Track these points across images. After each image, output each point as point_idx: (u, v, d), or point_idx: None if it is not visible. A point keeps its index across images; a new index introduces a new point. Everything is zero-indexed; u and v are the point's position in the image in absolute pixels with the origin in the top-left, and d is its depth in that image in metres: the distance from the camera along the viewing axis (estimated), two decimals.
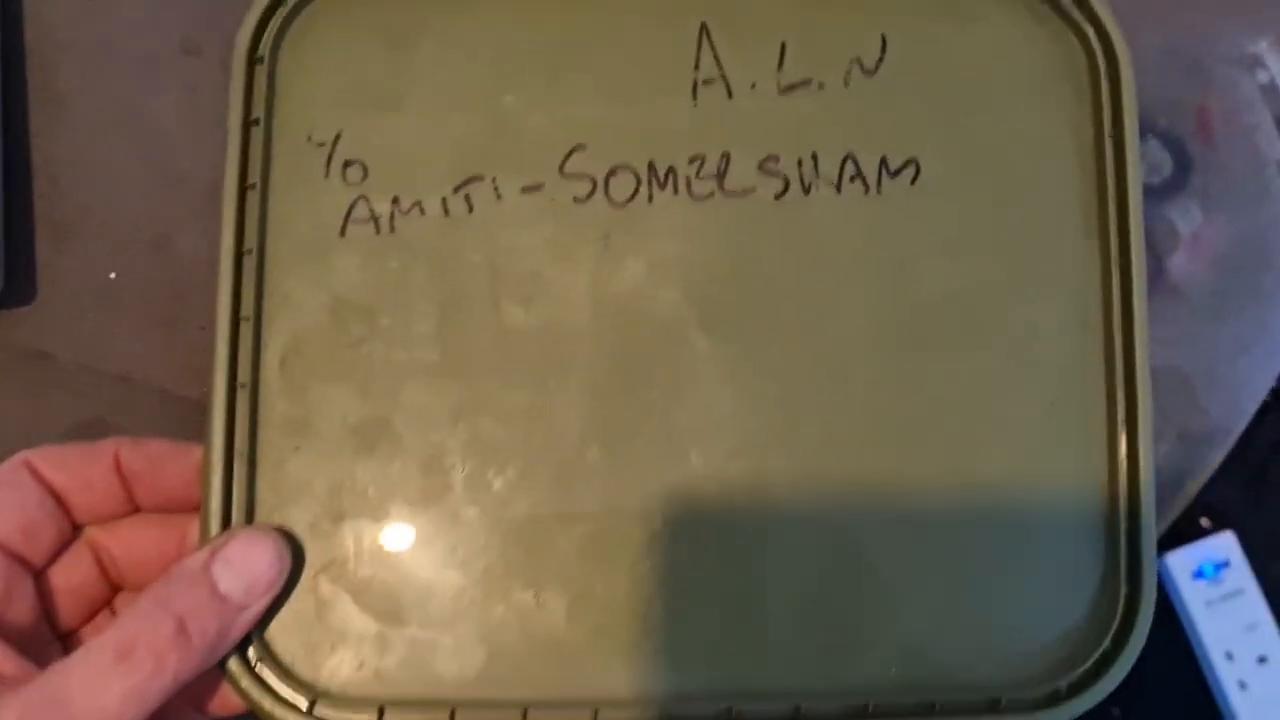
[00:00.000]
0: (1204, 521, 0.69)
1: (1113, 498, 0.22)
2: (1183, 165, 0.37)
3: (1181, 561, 0.66)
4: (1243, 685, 0.65)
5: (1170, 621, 0.66)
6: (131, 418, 0.32)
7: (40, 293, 0.33)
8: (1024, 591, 0.22)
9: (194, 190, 0.33)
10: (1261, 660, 0.65)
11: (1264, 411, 0.80)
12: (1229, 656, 0.65)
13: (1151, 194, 0.37)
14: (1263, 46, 0.38)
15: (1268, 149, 0.37)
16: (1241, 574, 0.66)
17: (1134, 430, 0.22)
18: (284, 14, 0.22)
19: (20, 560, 0.20)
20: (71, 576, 0.21)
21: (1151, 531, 0.22)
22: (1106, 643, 0.22)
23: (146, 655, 0.18)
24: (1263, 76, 0.38)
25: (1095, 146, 0.23)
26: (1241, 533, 0.67)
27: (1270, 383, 0.37)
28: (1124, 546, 0.22)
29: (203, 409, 0.31)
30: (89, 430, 0.32)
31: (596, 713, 0.20)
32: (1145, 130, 0.38)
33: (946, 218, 0.22)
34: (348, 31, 0.22)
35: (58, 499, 0.21)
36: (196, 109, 0.34)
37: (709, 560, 0.21)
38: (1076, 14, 0.23)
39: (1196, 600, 0.66)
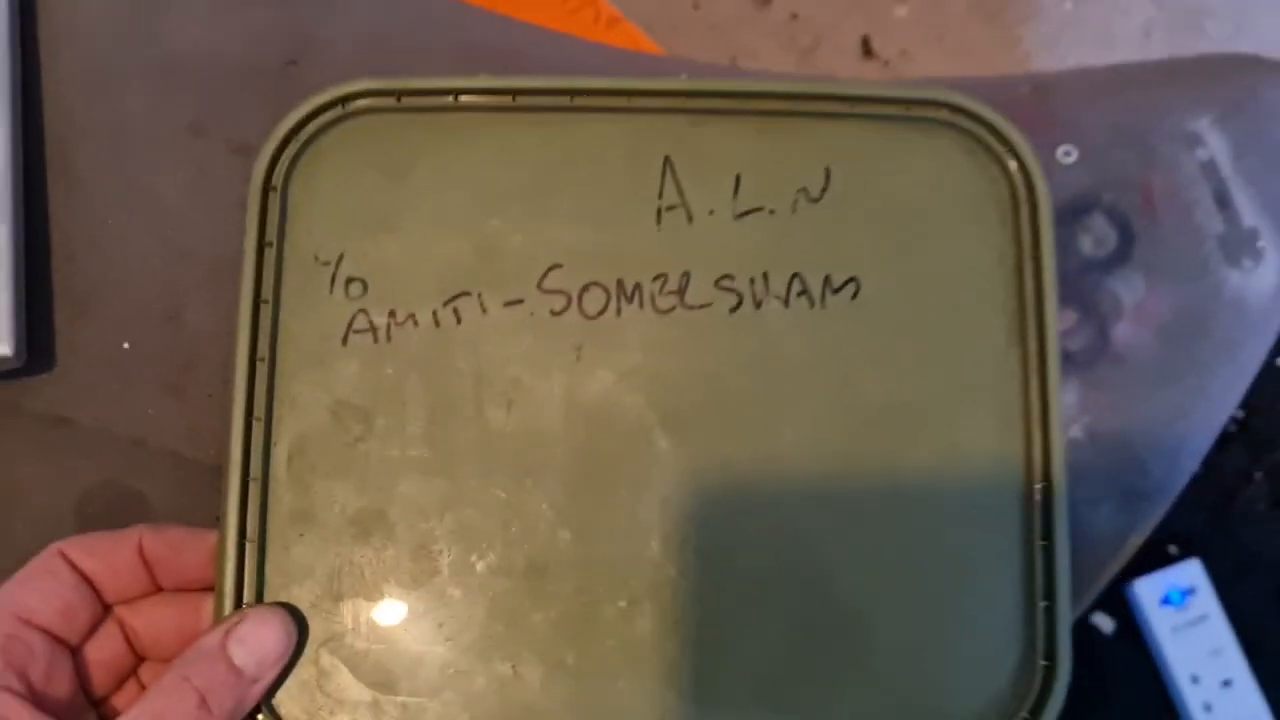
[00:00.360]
0: (1171, 549, 0.72)
1: (1031, 584, 0.24)
2: (1127, 239, 0.40)
3: (1149, 588, 0.69)
4: (1208, 708, 0.67)
5: (1138, 646, 0.69)
6: (145, 478, 0.34)
7: (59, 362, 0.35)
8: (952, 666, 0.24)
9: (202, 264, 0.36)
10: (1226, 684, 0.68)
11: (1229, 441, 0.83)
12: (1194, 680, 0.68)
13: (1097, 266, 0.40)
14: (1203, 124, 0.41)
15: (1207, 224, 0.40)
16: (1207, 600, 0.69)
17: (1050, 523, 0.24)
18: (295, 148, 0.25)
19: (60, 641, 0.22)
20: (103, 651, 0.23)
21: (1067, 613, 0.24)
22: (1025, 711, 0.24)
23: None
24: (1203, 154, 0.40)
25: (1017, 265, 0.25)
26: (1208, 559, 0.69)
27: (1208, 445, 0.39)
28: (1041, 626, 0.24)
29: (210, 470, 0.33)
30: (106, 489, 0.34)
31: None
32: (1092, 205, 0.40)
33: (884, 330, 0.25)
34: (350, 163, 0.25)
35: (89, 584, 0.23)
36: (204, 188, 0.36)
37: (669, 636, 0.24)
38: (1000, 148, 0.25)
39: (1163, 626, 0.69)
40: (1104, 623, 0.69)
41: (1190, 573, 0.69)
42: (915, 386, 0.25)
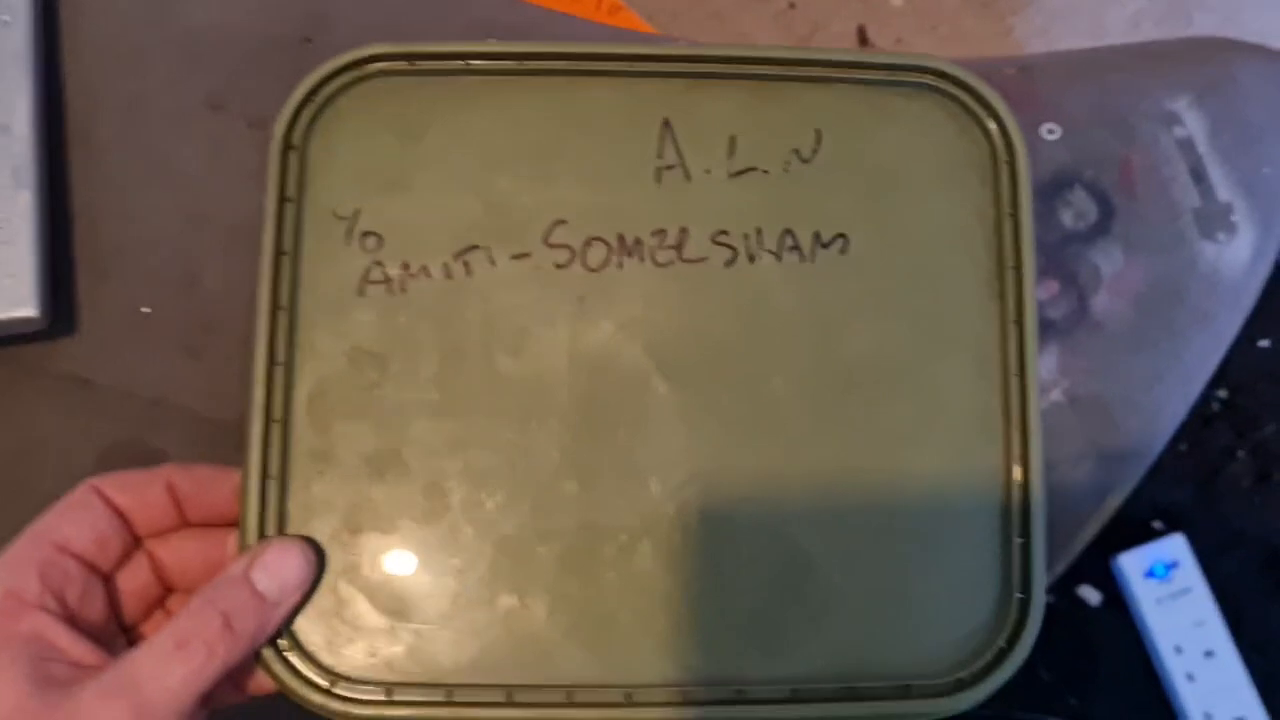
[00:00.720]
0: (1156, 524, 0.74)
1: (1009, 522, 0.26)
2: (1106, 212, 0.41)
3: (1134, 562, 0.71)
4: (1190, 678, 0.69)
5: (1124, 617, 0.71)
6: (164, 437, 0.36)
7: (81, 324, 0.36)
8: (935, 599, 0.26)
9: (219, 232, 0.37)
10: (1208, 655, 0.69)
11: (1213, 420, 0.85)
12: (1178, 650, 0.70)
13: (1078, 238, 0.42)
14: (1181, 104, 0.42)
15: (1183, 198, 0.41)
16: (1190, 573, 0.71)
17: (1027, 466, 0.26)
18: (313, 109, 0.26)
19: (94, 569, 0.24)
20: (133, 581, 0.25)
21: (1041, 550, 0.26)
22: (1002, 640, 0.25)
23: (200, 645, 0.22)
24: (1180, 132, 0.42)
25: (996, 223, 0.27)
26: (1192, 534, 0.71)
27: (1185, 409, 0.41)
28: (1018, 562, 0.26)
29: (227, 429, 0.35)
30: (126, 448, 0.36)
31: (570, 694, 0.24)
32: (1073, 180, 0.42)
33: (871, 283, 0.26)
34: (366, 124, 0.26)
35: (122, 517, 0.24)
36: (221, 158, 0.38)
37: (666, 570, 0.25)
38: (981, 112, 0.27)
39: (1148, 598, 0.70)
40: (1090, 595, 0.71)
41: (1174, 547, 0.70)
42: (900, 336, 0.26)
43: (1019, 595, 0.26)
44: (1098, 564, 0.71)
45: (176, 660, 0.21)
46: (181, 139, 0.38)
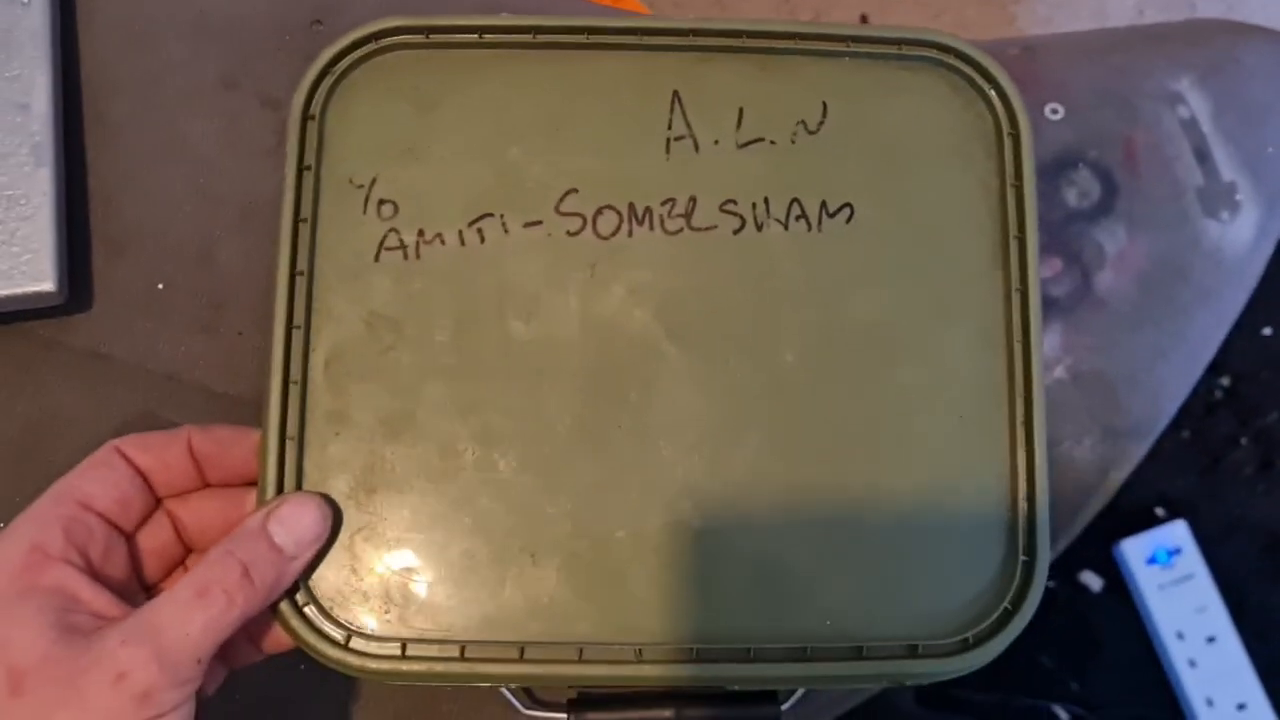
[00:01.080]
0: (1159, 511, 0.74)
1: (1014, 487, 0.26)
2: (1110, 191, 0.42)
3: (1137, 548, 0.71)
4: (1192, 663, 0.69)
5: (1126, 603, 0.71)
6: (178, 411, 0.36)
7: (97, 301, 0.37)
8: (941, 561, 0.26)
9: (233, 210, 0.38)
10: (1210, 640, 0.70)
11: (1216, 407, 0.85)
12: (1180, 636, 0.70)
13: (1081, 217, 0.42)
14: (1184, 84, 0.43)
15: (1186, 177, 0.42)
16: (1192, 560, 0.71)
17: (1030, 431, 0.26)
18: (331, 81, 0.27)
19: (116, 527, 0.24)
20: (154, 540, 0.25)
21: (1045, 514, 0.26)
22: (1007, 603, 0.26)
23: (220, 594, 0.22)
24: (1183, 112, 0.42)
25: (1000, 194, 0.27)
26: (1194, 520, 0.71)
27: (1188, 388, 0.41)
28: (1022, 526, 0.26)
29: (240, 404, 0.35)
30: (141, 421, 0.36)
31: (581, 651, 0.25)
32: (1077, 160, 0.42)
33: (876, 252, 0.27)
34: (382, 95, 0.27)
35: (143, 477, 0.25)
36: (235, 137, 0.38)
37: (676, 531, 0.26)
38: (985, 85, 0.27)
39: (1150, 584, 0.71)
40: (1092, 581, 0.72)
41: (1176, 533, 0.71)
42: (905, 304, 0.27)
43: (1023, 558, 0.26)
44: (1100, 550, 0.72)
45: (197, 608, 0.22)
46: (195, 117, 0.38)
